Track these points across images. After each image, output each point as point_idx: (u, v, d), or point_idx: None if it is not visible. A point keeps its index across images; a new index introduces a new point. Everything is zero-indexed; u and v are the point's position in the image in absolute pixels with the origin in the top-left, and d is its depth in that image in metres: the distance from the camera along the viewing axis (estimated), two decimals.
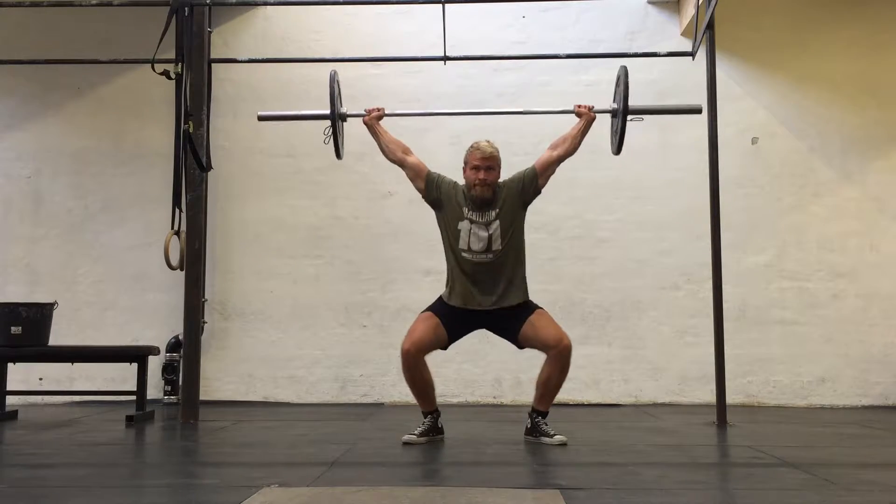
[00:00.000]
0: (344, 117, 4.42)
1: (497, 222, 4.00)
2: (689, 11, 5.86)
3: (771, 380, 6.10)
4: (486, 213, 4.01)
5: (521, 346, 4.10)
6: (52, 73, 6.34)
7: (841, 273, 6.16)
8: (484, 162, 4.00)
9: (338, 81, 4.38)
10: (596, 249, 6.23)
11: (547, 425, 4.04)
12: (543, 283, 5.77)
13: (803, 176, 6.25)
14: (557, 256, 6.18)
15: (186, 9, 4.94)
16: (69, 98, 6.52)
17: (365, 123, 4.33)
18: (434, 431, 4.07)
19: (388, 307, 6.22)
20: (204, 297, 5.74)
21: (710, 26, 5.00)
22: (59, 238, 6.41)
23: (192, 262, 5.12)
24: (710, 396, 5.42)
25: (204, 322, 5.88)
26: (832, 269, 6.17)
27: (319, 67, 6.35)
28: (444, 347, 4.08)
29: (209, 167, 5.32)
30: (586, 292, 6.23)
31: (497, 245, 3.99)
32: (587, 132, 4.23)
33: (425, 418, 4.08)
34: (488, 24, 6.35)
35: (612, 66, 6.26)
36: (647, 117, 6.32)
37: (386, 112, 4.36)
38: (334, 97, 4.31)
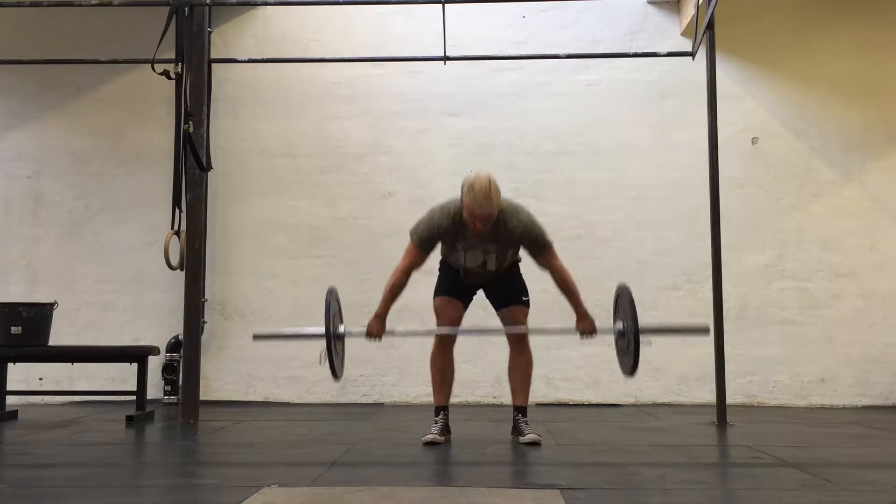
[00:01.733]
0: (342, 337, 3.96)
1: (494, 255, 4.01)
2: (689, 11, 5.86)
3: (771, 380, 6.10)
4: (485, 244, 3.97)
5: (497, 313, 4.18)
6: (52, 73, 6.34)
7: (841, 273, 6.16)
8: (481, 210, 3.81)
9: (337, 298, 3.99)
10: (596, 249, 6.23)
11: (525, 423, 4.06)
12: (544, 283, 5.74)
13: (803, 176, 6.24)
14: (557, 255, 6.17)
15: (186, 9, 4.95)
16: (69, 98, 6.52)
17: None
18: (447, 430, 4.09)
19: None
20: (204, 297, 5.74)
21: (710, 26, 5.00)
22: (59, 238, 6.41)
23: (192, 262, 5.12)
24: (710, 396, 5.41)
25: (204, 322, 5.88)
26: (832, 269, 6.16)
27: (319, 67, 6.38)
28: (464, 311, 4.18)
29: (209, 167, 5.32)
30: (586, 292, 6.08)
31: (492, 266, 4.06)
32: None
33: (437, 416, 4.08)
34: (488, 24, 6.35)
35: (612, 66, 6.35)
36: (645, 117, 6.39)
37: (386, 330, 4.02)
38: (331, 316, 3.86)
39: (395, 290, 3.98)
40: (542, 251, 3.98)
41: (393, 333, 4.08)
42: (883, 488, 2.95)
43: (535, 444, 3.92)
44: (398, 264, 4.01)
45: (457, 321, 4.11)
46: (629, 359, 3.89)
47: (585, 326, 4.00)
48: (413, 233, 4.00)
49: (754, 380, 6.08)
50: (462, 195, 3.84)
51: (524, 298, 4.14)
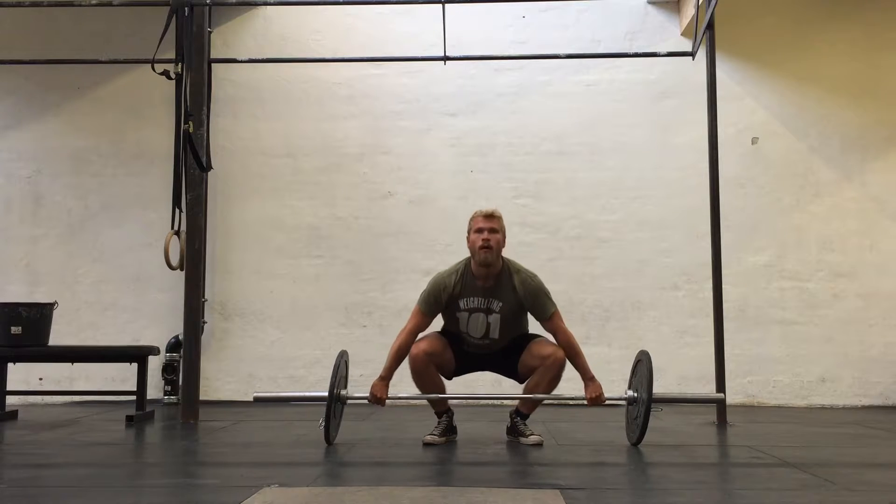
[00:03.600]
0: (344, 400, 3.95)
1: (497, 316, 3.95)
2: (689, 11, 5.86)
3: (771, 380, 6.10)
4: (488, 298, 3.94)
5: (521, 378, 4.10)
6: (52, 73, 6.34)
7: (841, 273, 6.16)
8: (487, 223, 3.91)
9: (346, 361, 4.02)
10: (596, 249, 6.23)
11: (525, 425, 4.06)
12: (543, 283, 5.77)
13: (803, 176, 6.25)
14: (557, 256, 6.18)
15: (186, 9, 4.94)
16: (69, 98, 6.52)
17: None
18: (451, 431, 4.09)
19: (388, 307, 6.22)
20: (204, 297, 5.74)
21: (710, 26, 5.00)
22: (59, 238, 6.41)
23: (192, 262, 5.11)
24: None
25: (204, 322, 5.88)
26: (832, 269, 6.16)
27: (319, 67, 6.38)
28: (448, 376, 4.09)
29: (209, 167, 5.32)
30: (586, 292, 6.22)
31: (494, 334, 3.99)
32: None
33: (440, 418, 4.08)
34: (488, 24, 6.35)
35: (612, 66, 6.35)
36: (645, 115, 6.39)
37: (388, 396, 3.93)
38: (337, 379, 3.85)
39: (401, 353, 3.94)
40: (549, 310, 3.96)
41: (397, 398, 4.05)
42: (883, 488, 2.95)
43: (538, 445, 3.92)
44: (404, 326, 4.01)
45: (435, 349, 3.94)
46: (636, 429, 3.93)
47: (594, 393, 3.94)
48: (419, 298, 4.01)
49: (754, 380, 6.08)
50: (468, 235, 3.97)
51: (536, 335, 4.08)
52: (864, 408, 5.99)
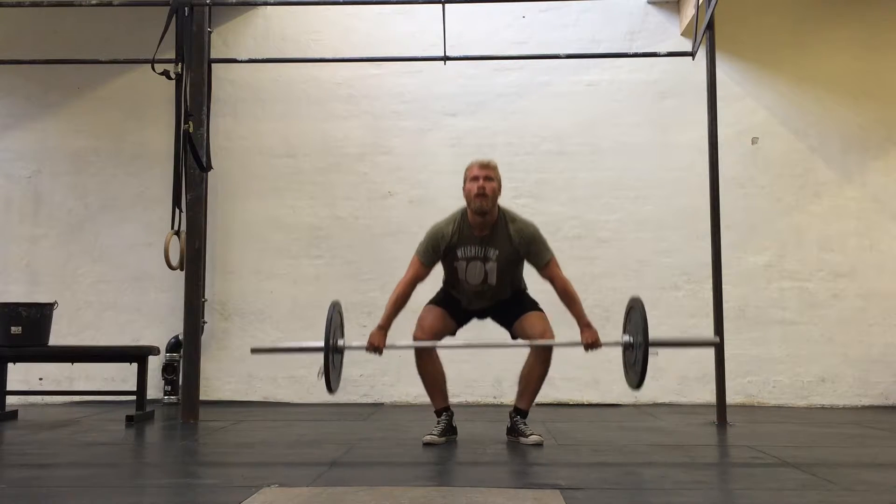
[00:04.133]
0: (341, 350, 3.94)
1: (494, 264, 3.98)
2: (689, 11, 5.86)
3: (771, 380, 6.10)
4: (485, 246, 3.97)
5: (513, 336, 4.14)
6: (52, 73, 6.34)
7: (841, 273, 6.16)
8: (482, 171, 3.96)
9: (340, 311, 3.97)
10: (596, 249, 6.23)
11: (525, 424, 4.06)
12: (544, 283, 5.75)
13: (803, 176, 6.24)
14: (557, 256, 6.16)
15: (186, 9, 4.94)
16: (69, 98, 6.52)
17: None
18: (450, 431, 4.08)
19: None
20: (204, 297, 5.74)
21: (710, 26, 5.00)
22: (59, 238, 6.41)
23: (192, 262, 5.12)
24: (710, 396, 5.42)
25: (204, 322, 5.88)
26: (832, 269, 6.16)
27: (319, 67, 6.39)
28: (454, 333, 4.14)
29: (209, 167, 5.32)
30: (586, 292, 6.15)
31: (492, 280, 4.01)
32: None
33: (439, 417, 4.08)
34: (488, 24, 6.35)
35: (612, 66, 6.35)
36: (645, 115, 6.38)
37: (387, 344, 3.94)
38: (332, 329, 3.82)
39: (399, 302, 3.96)
40: (545, 258, 3.99)
41: (394, 347, 4.04)
42: (883, 488, 2.95)
43: (538, 445, 3.92)
44: (402, 277, 4.01)
45: (437, 329, 4.01)
46: (635, 373, 3.93)
47: (590, 339, 3.96)
48: (417, 249, 4.04)
49: (754, 380, 6.08)
50: (463, 185, 4.01)
51: (539, 308, 4.11)
52: (864, 408, 5.99)
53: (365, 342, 3.93)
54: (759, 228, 6.20)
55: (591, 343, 3.96)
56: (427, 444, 3.92)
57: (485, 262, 3.98)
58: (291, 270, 6.31)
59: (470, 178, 3.98)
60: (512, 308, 4.09)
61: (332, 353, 3.79)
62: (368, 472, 3.33)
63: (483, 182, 3.92)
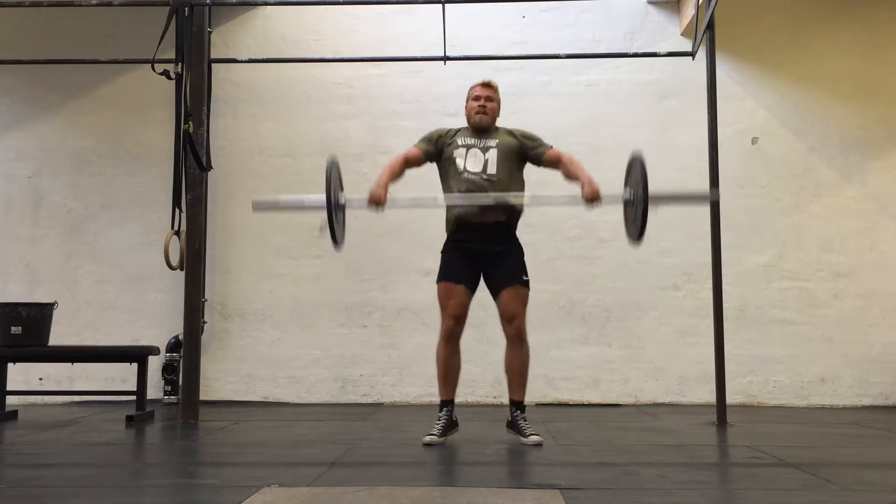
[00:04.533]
0: (343, 207, 3.95)
1: (495, 151, 4.06)
2: (689, 11, 5.86)
3: (771, 380, 6.10)
4: (484, 139, 4.10)
5: (494, 300, 4.13)
6: (52, 73, 6.34)
7: (841, 273, 6.16)
8: (484, 90, 4.14)
9: (338, 167, 3.93)
10: (596, 249, 6.23)
11: (525, 421, 4.06)
12: (543, 283, 5.75)
13: (803, 176, 6.24)
14: (557, 256, 6.18)
15: (186, 9, 4.95)
16: (69, 98, 6.52)
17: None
18: (451, 426, 4.09)
19: (388, 307, 6.22)
20: (204, 297, 5.74)
21: (710, 26, 5.00)
22: (59, 238, 6.41)
23: (192, 262, 5.12)
24: (710, 396, 5.42)
25: (204, 322, 5.88)
26: (832, 269, 6.16)
27: (319, 67, 6.39)
28: (470, 301, 4.13)
29: (209, 167, 5.32)
30: (586, 292, 6.22)
31: (492, 169, 4.04)
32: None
33: (441, 411, 4.08)
34: (488, 24, 6.35)
35: (612, 66, 6.35)
36: (645, 115, 6.38)
37: (388, 200, 3.97)
38: (332, 186, 3.81)
39: (393, 171, 4.08)
40: (545, 144, 4.17)
41: (395, 203, 4.05)
42: (883, 488, 2.95)
43: (538, 445, 3.92)
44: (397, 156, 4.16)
45: (462, 309, 4.05)
46: (635, 227, 4.03)
47: (590, 192, 4.03)
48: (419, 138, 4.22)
49: (754, 380, 6.08)
50: (465, 104, 4.20)
51: (524, 278, 4.11)
52: (864, 408, 5.99)
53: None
54: (759, 228, 6.21)
55: (591, 198, 4.02)
56: (427, 445, 3.92)
57: (484, 151, 4.06)
58: (291, 270, 6.31)
59: (472, 97, 4.16)
60: (505, 267, 4.08)
61: (335, 209, 3.85)
62: (368, 472, 3.33)
63: (484, 102, 4.11)
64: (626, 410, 5.79)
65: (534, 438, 3.96)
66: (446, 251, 4.19)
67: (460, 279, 4.07)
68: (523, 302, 4.09)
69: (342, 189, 3.95)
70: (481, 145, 4.08)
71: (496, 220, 4.06)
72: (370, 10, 6.38)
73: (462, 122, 4.24)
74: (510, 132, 4.17)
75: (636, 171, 3.98)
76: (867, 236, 6.19)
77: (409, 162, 4.17)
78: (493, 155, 4.05)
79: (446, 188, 4.16)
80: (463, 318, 4.06)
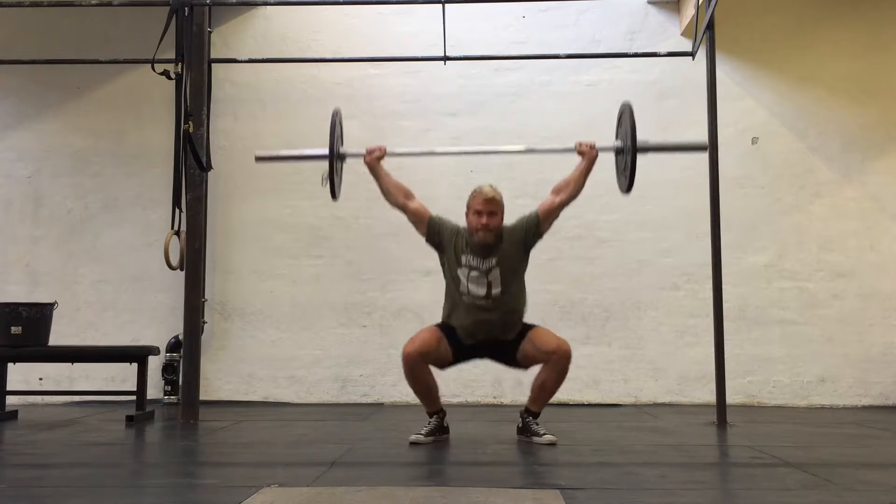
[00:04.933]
0: (343, 157, 4.10)
1: (497, 270, 3.97)
2: (689, 11, 5.86)
3: (771, 380, 6.10)
4: (486, 259, 3.98)
5: (524, 367, 4.12)
6: (52, 73, 6.34)
7: (841, 273, 6.16)
8: (486, 206, 3.96)
9: (340, 121, 4.09)
10: (596, 249, 6.23)
11: (538, 424, 4.06)
12: (543, 283, 5.77)
13: (803, 176, 6.24)
14: (557, 256, 6.17)
15: (186, 9, 4.94)
16: (69, 98, 6.52)
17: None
18: (440, 431, 4.08)
19: (388, 307, 6.22)
20: (204, 297, 5.74)
21: (710, 26, 5.00)
22: (59, 238, 6.41)
23: (192, 262, 5.12)
24: (710, 396, 5.42)
25: (204, 322, 5.88)
26: (832, 269, 6.16)
27: (319, 67, 6.39)
28: (443, 367, 4.08)
29: (209, 167, 5.32)
30: (586, 292, 6.22)
31: (496, 290, 3.98)
32: (590, 173, 4.09)
33: (431, 418, 4.09)
34: (488, 24, 6.35)
35: (612, 66, 6.35)
36: (645, 115, 6.35)
37: (388, 151, 4.13)
38: (335, 137, 4.00)
39: (392, 179, 4.14)
40: (535, 219, 4.05)
41: (394, 153, 4.16)
42: (883, 488, 2.95)
43: (552, 444, 3.92)
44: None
45: (430, 346, 3.94)
46: (625, 177, 4.00)
47: (583, 145, 4.04)
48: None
49: (754, 380, 6.08)
50: (466, 212, 4.06)
51: (533, 325, 4.09)
52: (864, 408, 5.99)
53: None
54: (759, 228, 6.20)
55: (585, 146, 4.05)
56: (413, 444, 3.93)
57: (487, 273, 3.97)
58: (291, 270, 6.31)
59: (474, 210, 4.00)
60: (512, 342, 4.04)
61: (337, 159, 3.94)
62: (368, 472, 3.33)
63: (487, 219, 3.95)
64: (625, 410, 5.79)
65: (548, 437, 3.96)
66: (445, 324, 4.11)
67: (448, 337, 4.02)
68: (545, 330, 4.07)
69: (342, 142, 4.08)
70: (484, 268, 3.96)
71: (505, 339, 4.05)
72: (370, 9, 6.38)
73: (455, 201, 4.23)
74: (513, 230, 4.04)
75: (626, 121, 3.99)
76: (867, 236, 6.19)
77: (409, 203, 4.16)
78: (496, 276, 3.96)
79: (450, 293, 4.10)
80: (424, 354, 3.94)
